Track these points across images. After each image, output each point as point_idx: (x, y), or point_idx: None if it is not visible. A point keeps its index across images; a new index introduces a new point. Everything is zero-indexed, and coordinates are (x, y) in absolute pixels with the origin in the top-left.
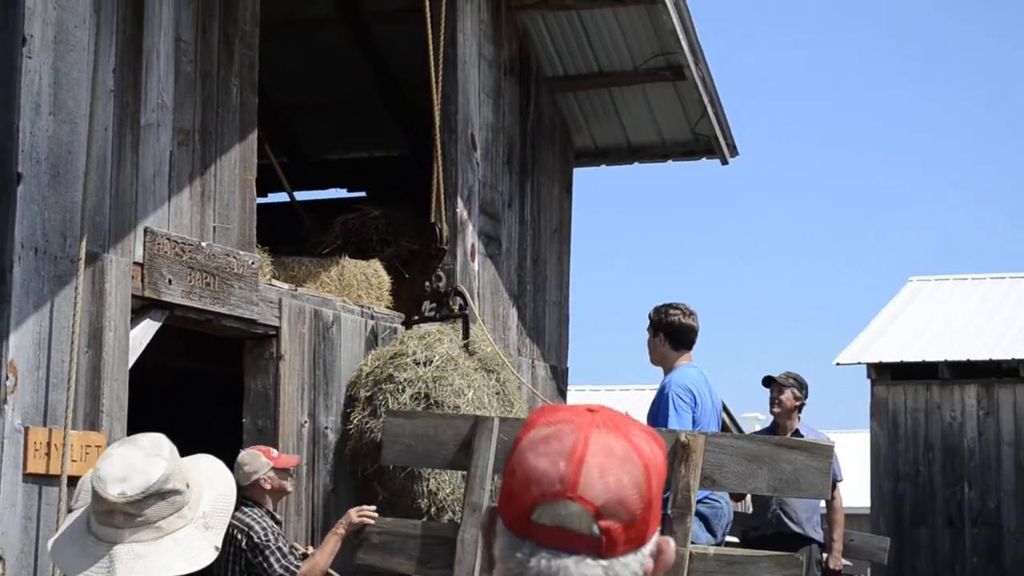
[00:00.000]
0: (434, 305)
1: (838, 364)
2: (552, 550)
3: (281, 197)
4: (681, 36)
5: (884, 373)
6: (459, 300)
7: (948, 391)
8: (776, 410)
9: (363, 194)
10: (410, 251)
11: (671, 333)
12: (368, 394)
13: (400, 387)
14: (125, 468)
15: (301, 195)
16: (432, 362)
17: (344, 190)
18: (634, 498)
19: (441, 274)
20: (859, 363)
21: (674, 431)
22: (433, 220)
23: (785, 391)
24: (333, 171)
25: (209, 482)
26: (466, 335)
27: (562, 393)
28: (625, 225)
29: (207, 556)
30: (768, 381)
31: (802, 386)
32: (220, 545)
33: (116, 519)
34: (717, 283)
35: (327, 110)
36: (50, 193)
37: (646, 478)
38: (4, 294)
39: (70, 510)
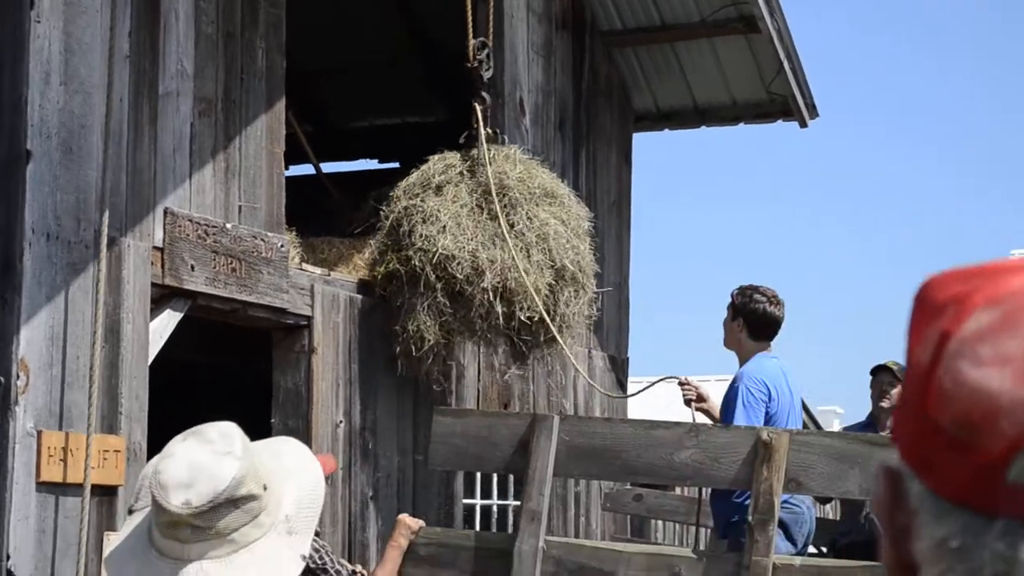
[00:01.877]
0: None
1: None
2: None
3: (306, 170)
4: None
5: None
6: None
7: None
8: (885, 404)
9: (396, 165)
10: None
11: (753, 321)
12: None
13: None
14: (190, 471)
15: (327, 167)
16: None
17: (375, 161)
18: None
19: (485, 96)
20: None
21: (754, 428)
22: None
23: (898, 385)
24: (363, 140)
25: (291, 476)
26: (471, 148)
27: (622, 386)
28: (692, 196)
29: (293, 569)
30: (879, 370)
31: None
32: (308, 554)
33: (182, 532)
34: (793, 260)
35: (355, 73)
36: (62, 172)
37: None
38: (14, 284)
39: (130, 511)
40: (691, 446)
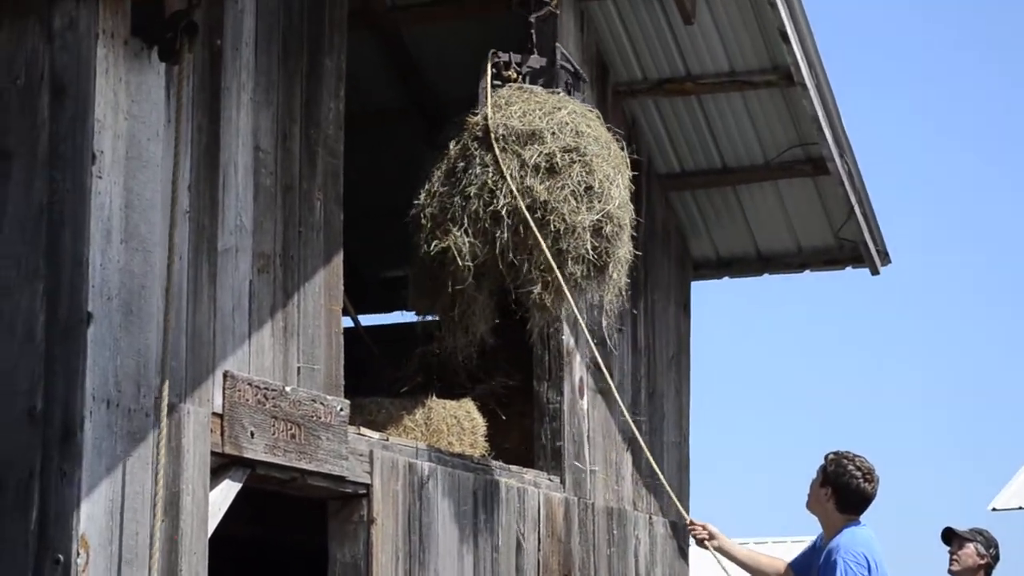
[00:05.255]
0: None
1: (994, 509)
2: None
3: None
4: (823, 123)
5: None
6: None
7: None
8: (954, 568)
9: (436, 318)
10: (507, 388)
11: (843, 495)
12: None
13: None
14: None
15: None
16: None
17: (412, 314)
18: None
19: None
20: (1020, 507)
21: None
22: None
23: (967, 545)
24: (396, 291)
25: None
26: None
27: (683, 554)
28: (754, 348)
29: None
30: (948, 535)
31: (990, 543)
32: None
33: None
34: (862, 412)
35: (388, 219)
36: (123, 335)
37: None
38: (74, 455)
39: None
40: None
